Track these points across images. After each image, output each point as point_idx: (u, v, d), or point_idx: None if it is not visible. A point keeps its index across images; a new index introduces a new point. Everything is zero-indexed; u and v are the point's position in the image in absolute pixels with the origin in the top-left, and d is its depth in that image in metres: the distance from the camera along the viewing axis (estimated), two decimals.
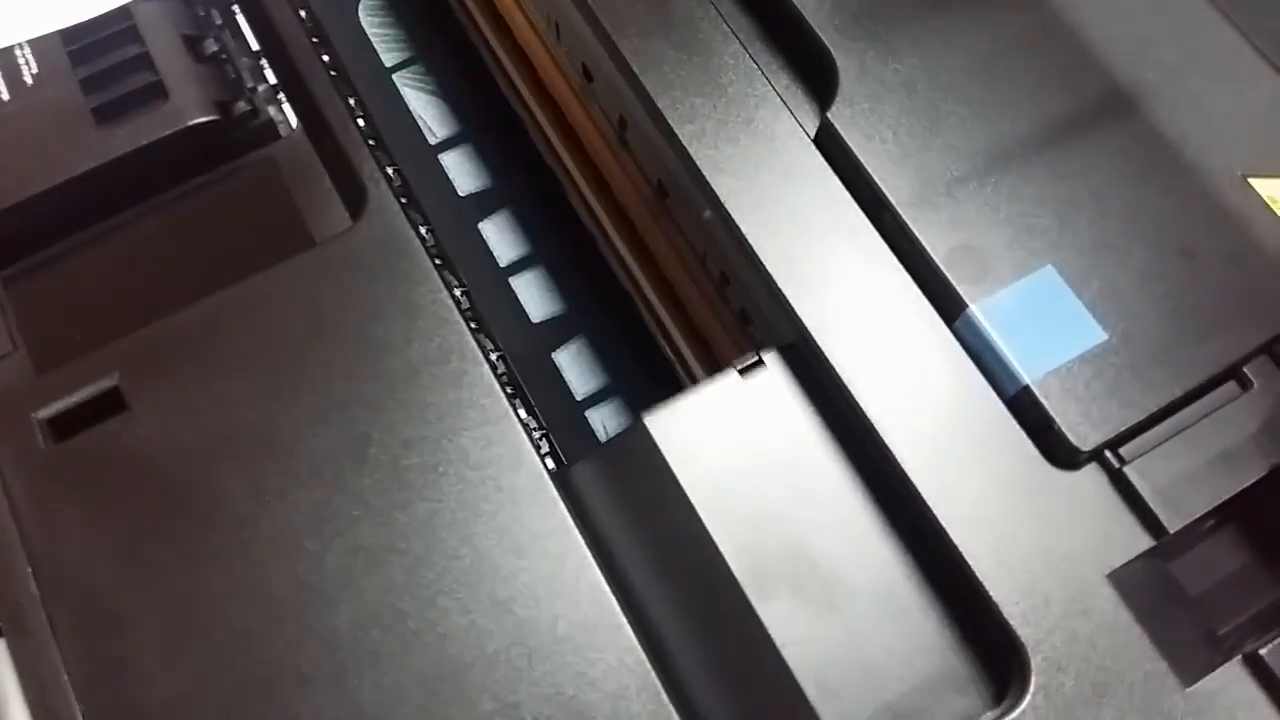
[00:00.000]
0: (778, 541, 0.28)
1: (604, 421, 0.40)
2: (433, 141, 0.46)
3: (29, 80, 0.34)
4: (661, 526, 0.28)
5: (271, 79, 0.36)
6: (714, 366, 0.38)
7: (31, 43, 0.34)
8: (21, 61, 0.34)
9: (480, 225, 0.44)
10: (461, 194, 0.45)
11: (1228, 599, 0.27)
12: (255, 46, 0.37)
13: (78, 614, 0.27)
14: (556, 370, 0.41)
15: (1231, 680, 0.25)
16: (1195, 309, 0.29)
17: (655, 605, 0.28)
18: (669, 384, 0.41)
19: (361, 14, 0.48)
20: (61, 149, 0.33)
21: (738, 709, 0.27)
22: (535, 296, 0.43)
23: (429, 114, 0.46)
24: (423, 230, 0.32)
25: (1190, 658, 0.26)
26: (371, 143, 0.34)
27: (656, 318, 0.42)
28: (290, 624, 0.27)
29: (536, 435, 0.30)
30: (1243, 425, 0.28)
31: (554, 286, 0.43)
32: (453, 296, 0.30)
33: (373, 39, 0.48)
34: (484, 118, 0.47)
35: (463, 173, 0.45)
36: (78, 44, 0.34)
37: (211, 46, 0.35)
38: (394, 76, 0.47)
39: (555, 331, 0.42)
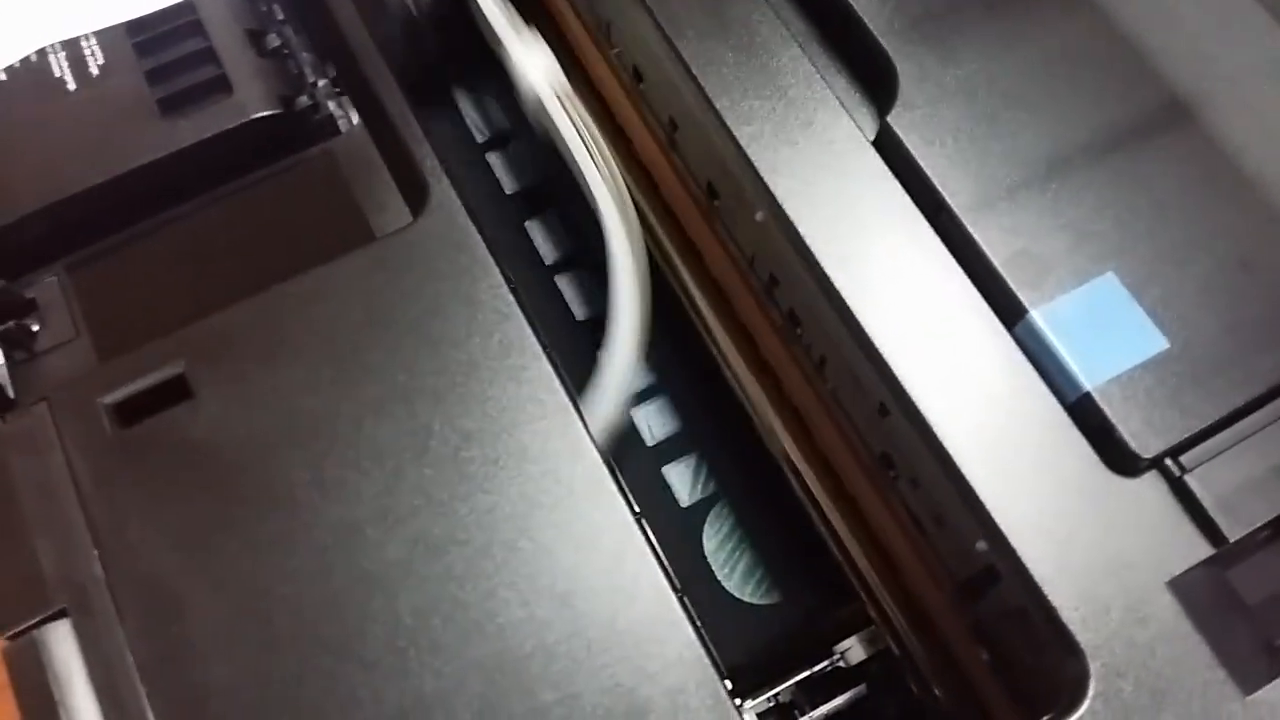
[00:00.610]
0: None
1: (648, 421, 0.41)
2: (480, 140, 0.46)
3: (95, 71, 0.34)
4: None
5: (332, 74, 0.36)
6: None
7: (98, 34, 0.35)
8: (87, 52, 0.34)
9: (527, 223, 0.44)
10: (508, 192, 0.45)
11: None
12: (316, 42, 0.37)
13: (142, 597, 0.28)
14: None
15: None
16: (1254, 320, 0.29)
17: None
18: None
19: None
20: (126, 139, 0.33)
21: None
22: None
23: (477, 111, 0.47)
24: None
25: (1249, 667, 0.26)
26: None
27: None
28: (351, 611, 0.27)
29: None
30: None
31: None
32: (513, 293, 0.31)
33: None
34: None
35: (509, 174, 0.46)
36: (143, 36, 0.35)
37: (274, 41, 0.36)
38: None
39: None
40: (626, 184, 0.44)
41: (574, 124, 0.35)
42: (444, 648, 0.27)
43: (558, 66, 0.36)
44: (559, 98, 0.35)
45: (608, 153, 0.36)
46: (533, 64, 0.35)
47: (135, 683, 0.27)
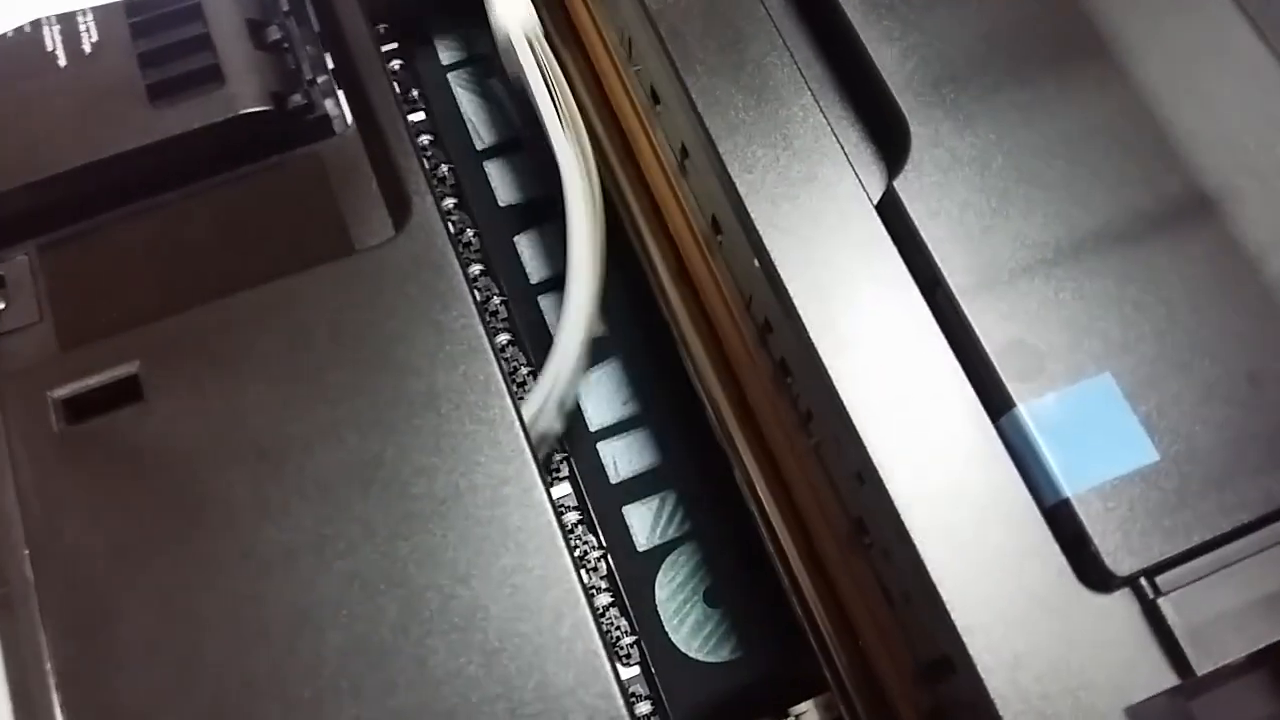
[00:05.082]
0: None
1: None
2: (480, 147, 0.45)
3: (87, 49, 0.33)
4: None
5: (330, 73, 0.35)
6: None
7: (95, 10, 0.34)
8: (83, 28, 0.34)
9: (515, 239, 0.43)
10: (502, 204, 0.44)
11: None
12: (317, 32, 0.36)
13: (67, 603, 0.27)
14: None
15: None
16: (1254, 439, 0.27)
17: None
18: None
19: None
20: (111, 123, 0.32)
21: None
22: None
23: (479, 117, 0.45)
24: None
25: None
26: (430, 139, 0.33)
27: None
28: (277, 643, 0.27)
29: None
30: None
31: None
32: (485, 323, 0.30)
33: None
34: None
35: (505, 183, 0.44)
36: (141, 16, 0.34)
37: (274, 34, 0.34)
38: (449, 76, 0.46)
39: None
40: (595, 143, 0.43)
41: (541, 68, 0.34)
42: (365, 693, 0.26)
43: (534, 11, 0.37)
44: (529, 40, 0.35)
45: (572, 102, 0.35)
46: (507, 4, 0.36)
47: (50, 690, 0.26)
